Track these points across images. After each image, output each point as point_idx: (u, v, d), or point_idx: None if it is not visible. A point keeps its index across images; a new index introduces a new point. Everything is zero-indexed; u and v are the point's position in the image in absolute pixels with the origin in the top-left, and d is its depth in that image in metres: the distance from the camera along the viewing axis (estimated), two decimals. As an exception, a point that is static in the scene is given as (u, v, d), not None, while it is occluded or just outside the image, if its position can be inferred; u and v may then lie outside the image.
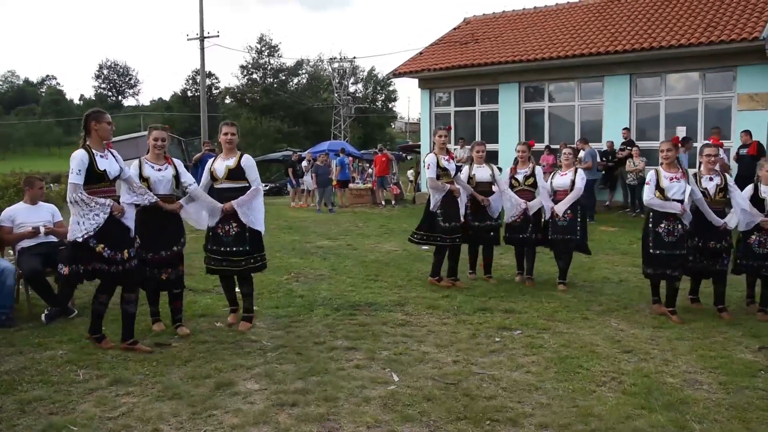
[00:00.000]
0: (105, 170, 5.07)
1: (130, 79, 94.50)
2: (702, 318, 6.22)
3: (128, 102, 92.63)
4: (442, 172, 7.47)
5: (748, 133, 13.23)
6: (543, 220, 7.79)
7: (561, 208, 7.47)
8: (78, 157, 4.94)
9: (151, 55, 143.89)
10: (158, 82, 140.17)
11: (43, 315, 6.08)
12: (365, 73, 62.12)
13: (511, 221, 7.79)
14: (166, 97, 79.89)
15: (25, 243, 6.45)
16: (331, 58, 55.96)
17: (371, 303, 6.77)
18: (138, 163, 5.64)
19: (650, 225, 6.33)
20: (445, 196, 7.43)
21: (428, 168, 7.55)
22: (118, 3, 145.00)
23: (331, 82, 54.51)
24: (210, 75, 64.57)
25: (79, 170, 4.91)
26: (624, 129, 15.61)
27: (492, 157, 8.34)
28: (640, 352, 5.22)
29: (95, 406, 4.14)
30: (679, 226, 6.21)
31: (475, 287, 7.52)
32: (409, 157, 30.02)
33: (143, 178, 5.56)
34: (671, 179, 6.25)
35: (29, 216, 6.58)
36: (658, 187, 6.27)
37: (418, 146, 23.20)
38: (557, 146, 16.00)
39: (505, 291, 7.34)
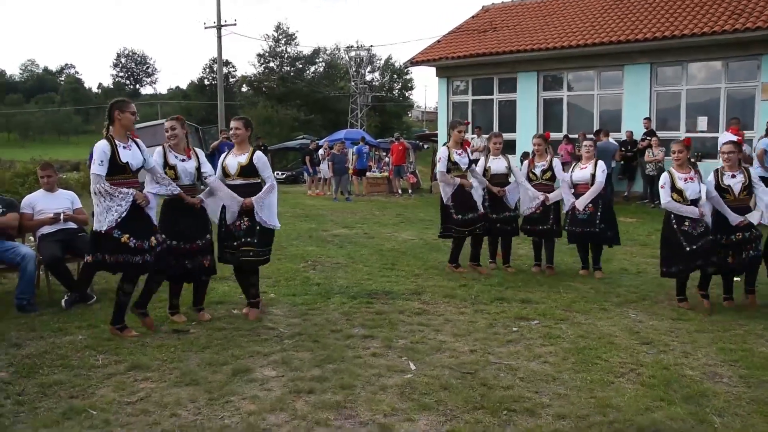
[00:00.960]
0: (127, 162, 5.09)
1: (147, 68, 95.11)
2: (722, 311, 6.15)
3: (146, 90, 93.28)
4: (452, 166, 7.52)
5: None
6: (564, 212, 7.74)
7: (582, 202, 7.42)
8: (100, 148, 4.94)
9: (169, 44, 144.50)
10: (175, 71, 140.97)
11: (62, 300, 6.14)
12: (382, 62, 61.98)
13: (530, 213, 7.75)
14: (184, 86, 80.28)
15: (46, 230, 6.50)
16: (348, 47, 55.86)
17: (388, 291, 6.76)
18: (162, 151, 5.59)
19: (674, 225, 6.25)
20: (457, 189, 7.47)
21: (439, 161, 7.61)
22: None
23: (347, 70, 54.43)
24: (227, 63, 64.69)
25: (102, 161, 4.91)
26: (645, 119, 15.43)
27: (509, 147, 8.29)
28: (659, 343, 5.17)
29: (114, 391, 4.18)
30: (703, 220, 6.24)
31: (493, 277, 7.49)
32: (425, 146, 29.91)
33: (169, 167, 5.53)
34: (686, 179, 6.24)
35: (49, 203, 6.63)
36: (675, 189, 6.23)
37: (435, 135, 23.10)
38: (576, 136, 15.91)
39: (522, 281, 7.30)
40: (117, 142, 5.07)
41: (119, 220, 4.95)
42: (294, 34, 59.56)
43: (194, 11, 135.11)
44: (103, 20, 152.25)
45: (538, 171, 7.81)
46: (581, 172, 7.58)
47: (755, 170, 6.53)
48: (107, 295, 6.53)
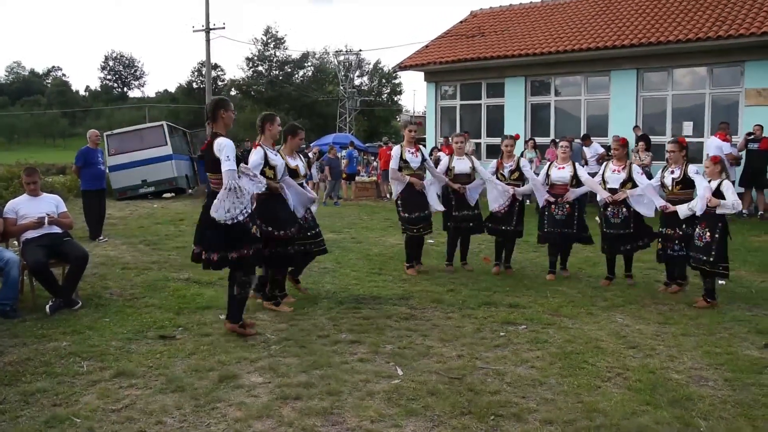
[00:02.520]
0: (276, 166, 5.86)
1: (135, 71, 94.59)
2: (707, 314, 6.18)
3: (134, 93, 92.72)
4: (404, 164, 7.65)
5: (760, 127, 13.14)
6: (538, 209, 7.86)
7: (570, 195, 7.58)
8: (230, 145, 5.08)
9: (157, 47, 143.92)
10: (164, 74, 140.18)
11: (47, 306, 6.07)
12: (371, 66, 62.06)
13: (495, 211, 7.86)
14: (172, 89, 79.89)
15: (30, 234, 6.43)
16: (336, 51, 55.94)
17: (375, 296, 6.76)
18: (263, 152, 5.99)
19: (601, 209, 7.38)
20: (406, 187, 7.59)
21: (392, 159, 7.78)
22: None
23: (336, 74, 54.44)
24: (216, 67, 64.55)
25: (230, 157, 5.02)
26: (634, 127, 15.48)
27: (496, 151, 8.37)
28: (645, 347, 5.19)
29: (99, 398, 4.14)
30: (624, 211, 7.14)
31: (480, 281, 7.49)
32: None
33: (270, 166, 5.98)
34: (613, 171, 7.30)
35: (33, 208, 6.55)
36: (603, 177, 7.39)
37: (424, 139, 23.15)
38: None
39: (509, 285, 7.32)
40: (267, 150, 5.87)
41: (247, 213, 5.17)
42: (283, 38, 59.59)
43: (183, 14, 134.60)
44: (91, 22, 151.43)
45: (506, 172, 7.93)
46: (560, 172, 7.68)
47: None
48: (92, 301, 6.50)
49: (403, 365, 4.73)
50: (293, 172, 6.34)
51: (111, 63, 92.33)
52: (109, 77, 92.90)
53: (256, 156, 5.86)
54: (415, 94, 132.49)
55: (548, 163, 8.15)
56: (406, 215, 7.69)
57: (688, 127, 15.58)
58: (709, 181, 6.51)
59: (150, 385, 4.36)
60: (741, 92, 14.60)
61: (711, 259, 6.35)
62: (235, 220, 5.07)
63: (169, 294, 6.82)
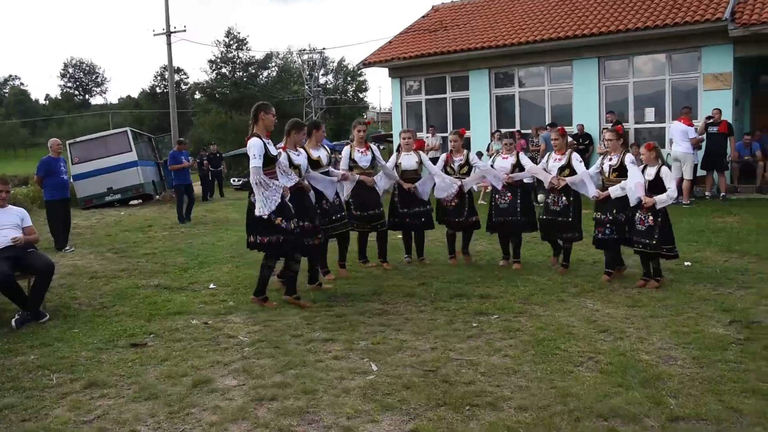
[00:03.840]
0: (275, 155, 6.12)
1: (96, 77, 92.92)
2: (675, 295, 6.31)
3: (96, 100, 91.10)
4: (353, 164, 7.73)
5: (719, 111, 13.42)
6: (491, 202, 7.98)
7: (513, 175, 7.71)
8: (257, 144, 5.92)
9: (118, 53, 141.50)
10: (126, 80, 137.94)
11: (13, 320, 5.94)
12: (335, 64, 61.88)
13: (445, 204, 7.96)
14: (135, 95, 78.79)
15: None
16: (300, 50, 55.67)
17: (348, 294, 6.75)
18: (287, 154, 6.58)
19: (546, 199, 7.57)
20: (356, 185, 7.64)
21: (341, 159, 7.88)
22: (81, 0, 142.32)
23: (301, 74, 54.19)
24: (178, 71, 63.79)
25: (258, 155, 5.89)
26: (609, 112, 15.63)
27: (464, 145, 8.44)
28: (615, 331, 5.27)
29: (69, 411, 4.07)
30: (564, 199, 7.32)
31: (452, 274, 7.53)
32: (382, 147, 29.95)
33: (294, 166, 6.56)
34: (555, 159, 7.52)
35: (-2, 220, 6.40)
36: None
37: (391, 136, 23.17)
38: (529, 131, 16.14)
39: (480, 276, 7.37)
40: (264, 139, 6.04)
41: (276, 207, 5.96)
42: (245, 39, 59.07)
43: (142, 18, 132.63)
44: (48, 29, 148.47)
45: (455, 166, 8.05)
46: (503, 162, 7.84)
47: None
48: (61, 312, 6.39)
49: (378, 360, 4.74)
50: (316, 163, 6.98)
51: (71, 70, 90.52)
52: (69, 85, 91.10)
53: (255, 146, 5.99)
54: (381, 91, 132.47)
55: (494, 155, 8.27)
56: (359, 213, 7.69)
57: (650, 113, 15.84)
58: (645, 168, 6.73)
59: (122, 394, 4.30)
60: (699, 77, 14.88)
61: (654, 242, 6.56)
62: (269, 212, 5.93)
63: (140, 301, 6.74)
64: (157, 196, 19.90)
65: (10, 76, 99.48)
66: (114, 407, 4.10)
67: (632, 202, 6.75)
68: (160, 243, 10.78)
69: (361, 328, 5.54)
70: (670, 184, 6.59)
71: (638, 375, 4.30)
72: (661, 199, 6.54)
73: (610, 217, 6.94)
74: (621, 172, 6.93)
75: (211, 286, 7.32)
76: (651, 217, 6.61)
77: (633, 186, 6.68)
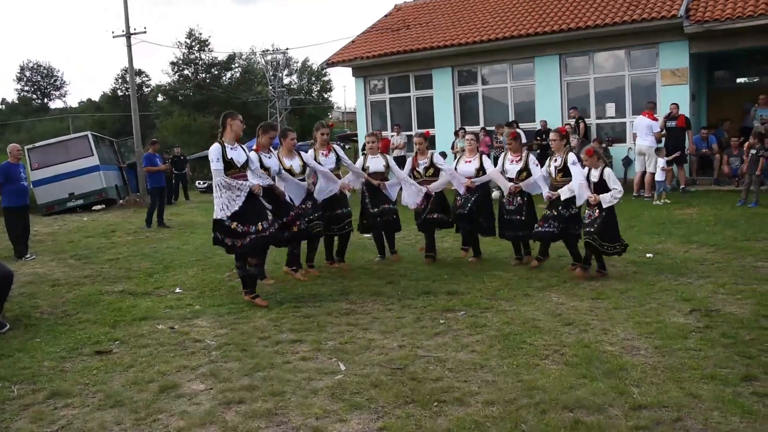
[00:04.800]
0: (232, 158, 6.25)
1: (55, 81, 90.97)
2: (638, 287, 6.43)
3: (55, 104, 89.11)
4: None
5: (676, 105, 13.72)
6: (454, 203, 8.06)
7: (474, 179, 7.82)
8: (214, 149, 6.24)
9: (77, 55, 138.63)
10: (86, 83, 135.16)
11: (-28, 331, 5.82)
12: (299, 64, 61.56)
13: (416, 207, 8.04)
14: (96, 98, 77.28)
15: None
16: (263, 51, 55.25)
17: (315, 294, 6.75)
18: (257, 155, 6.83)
19: (501, 198, 7.78)
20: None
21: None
22: (37, 1, 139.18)
23: (264, 74, 53.81)
24: (140, 73, 62.80)
25: (216, 158, 6.17)
26: (572, 108, 15.86)
27: (429, 143, 8.52)
28: (580, 323, 5.36)
29: (32, 422, 4.00)
30: (518, 199, 7.55)
31: (419, 271, 7.58)
32: (347, 146, 29.91)
33: (264, 167, 6.79)
34: (511, 161, 7.69)
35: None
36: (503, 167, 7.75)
37: (356, 135, 23.17)
38: (492, 128, 16.28)
39: (447, 273, 7.42)
40: (226, 144, 6.29)
41: (236, 210, 6.16)
42: (207, 40, 58.30)
43: (100, 20, 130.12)
44: (2, 32, 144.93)
45: (421, 169, 8.10)
46: (466, 165, 7.91)
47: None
48: (21, 321, 6.26)
49: (346, 360, 4.75)
50: (289, 172, 7.20)
51: (28, 74, 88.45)
52: (26, 88, 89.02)
53: (213, 151, 6.25)
54: (345, 90, 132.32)
55: (458, 156, 8.34)
56: (329, 214, 7.70)
57: (610, 109, 16.13)
58: (589, 170, 6.90)
59: (87, 403, 4.24)
60: (657, 73, 15.19)
61: (592, 230, 6.75)
62: (226, 217, 6.16)
63: (104, 308, 6.64)
64: (121, 201, 19.59)
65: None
66: (78, 416, 4.04)
67: (578, 202, 7.03)
68: (124, 248, 10.62)
69: (328, 328, 5.54)
70: (615, 185, 6.77)
71: (602, 366, 4.38)
72: (605, 199, 6.74)
73: (555, 213, 7.15)
74: (565, 172, 7.14)
75: (177, 290, 7.25)
76: (597, 211, 6.82)
77: (577, 187, 6.91)
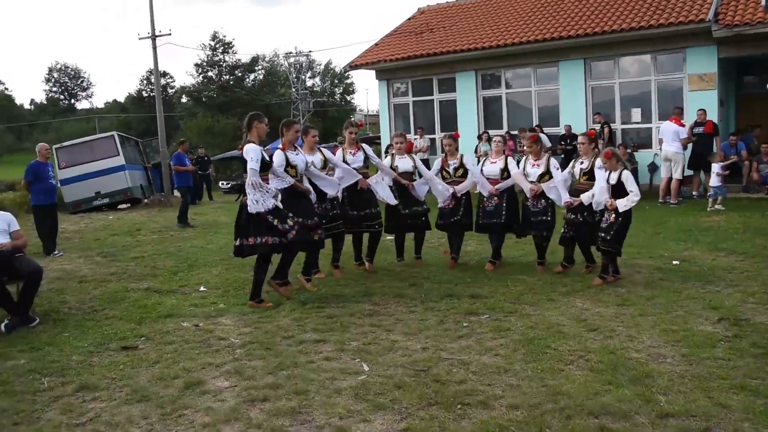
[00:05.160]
0: (269, 161, 6.40)
1: (82, 82, 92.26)
2: (664, 294, 6.36)
3: (82, 105, 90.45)
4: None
5: (704, 111, 13.55)
6: (478, 205, 8.01)
7: (498, 185, 7.76)
8: (255, 149, 6.21)
9: (103, 57, 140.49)
10: (112, 84, 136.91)
11: (2, 325, 5.91)
12: (322, 67, 61.89)
13: (443, 206, 8.00)
14: (121, 99, 78.28)
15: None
16: (286, 53, 55.61)
17: (338, 295, 6.76)
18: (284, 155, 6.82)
19: (525, 201, 7.69)
20: (351, 186, 7.68)
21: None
22: (65, 4, 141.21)
23: (287, 77, 54.13)
24: (164, 74, 63.59)
25: (255, 159, 6.15)
26: (596, 114, 15.77)
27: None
28: (605, 329, 5.31)
29: (62, 414, 4.07)
30: (543, 201, 7.47)
31: (442, 274, 7.56)
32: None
33: (291, 165, 6.77)
34: (532, 165, 7.62)
35: (-17, 225, 6.36)
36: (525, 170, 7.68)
37: (378, 138, 23.20)
38: (516, 132, 16.23)
39: (470, 277, 7.40)
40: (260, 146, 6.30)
41: (271, 209, 6.15)
42: (231, 42, 58.90)
43: (127, 22, 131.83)
44: (31, 34, 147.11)
45: (450, 169, 8.07)
46: (491, 166, 7.88)
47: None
48: (50, 316, 6.37)
49: (369, 361, 4.76)
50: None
51: (56, 75, 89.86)
52: (54, 89, 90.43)
53: (253, 151, 6.22)
54: (368, 93, 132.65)
55: (483, 158, 8.31)
56: (354, 213, 7.73)
57: (636, 114, 15.99)
58: (609, 173, 6.82)
59: (114, 397, 4.30)
60: (684, 78, 15.03)
61: (608, 237, 6.72)
62: (261, 212, 6.10)
63: (130, 305, 6.72)
64: (146, 200, 19.80)
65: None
66: (106, 410, 4.10)
67: (596, 207, 6.97)
68: (149, 246, 10.74)
69: (352, 329, 5.56)
70: (632, 188, 6.68)
71: (628, 373, 4.33)
72: (621, 204, 6.66)
73: (580, 219, 7.13)
74: (591, 175, 7.09)
75: (202, 288, 7.31)
76: (614, 215, 6.75)
77: (598, 191, 6.87)
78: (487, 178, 7.83)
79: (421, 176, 8.23)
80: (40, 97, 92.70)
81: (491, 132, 16.52)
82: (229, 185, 25.16)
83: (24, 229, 7.26)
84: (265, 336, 5.45)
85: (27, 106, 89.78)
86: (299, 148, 7.16)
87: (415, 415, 3.84)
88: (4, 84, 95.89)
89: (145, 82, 66.04)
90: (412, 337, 5.30)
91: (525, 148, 7.85)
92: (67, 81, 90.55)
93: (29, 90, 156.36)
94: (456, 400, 4.01)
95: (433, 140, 18.55)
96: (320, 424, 3.78)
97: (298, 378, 4.45)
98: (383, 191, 7.79)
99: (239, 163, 29.30)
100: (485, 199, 7.85)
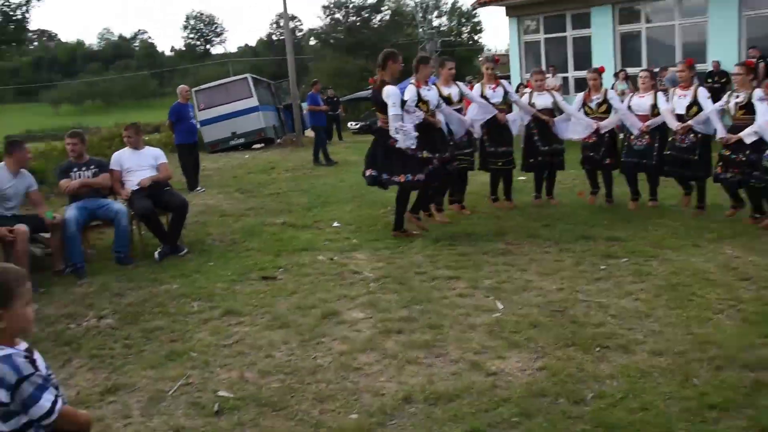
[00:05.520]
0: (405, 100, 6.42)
1: (216, 28, 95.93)
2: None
3: (216, 50, 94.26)
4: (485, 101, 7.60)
5: None
6: (624, 141, 7.61)
7: (649, 122, 7.28)
8: (396, 92, 6.29)
9: (235, 3, 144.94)
10: (243, 29, 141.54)
11: (155, 253, 6.36)
12: (449, 6, 60.53)
13: (585, 142, 7.67)
14: (252, 43, 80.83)
15: (134, 186, 6.65)
16: (413, -8, 54.74)
17: (470, 233, 6.69)
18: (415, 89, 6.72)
19: (673, 135, 7.22)
20: (491, 121, 7.52)
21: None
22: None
23: (414, 17, 53.46)
24: (293, 18, 64.74)
25: (396, 103, 6.21)
26: (751, 47, 14.44)
27: (584, 86, 8.07)
28: (759, 279, 4.91)
29: (210, 335, 4.35)
30: (692, 136, 6.91)
31: (576, 216, 7.28)
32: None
33: (422, 101, 6.69)
34: (679, 96, 7.09)
35: (134, 160, 6.77)
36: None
37: (508, 77, 22.51)
38: (657, 69, 15.15)
39: (607, 219, 7.08)
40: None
41: (413, 145, 6.24)
42: (358, -17, 58.70)
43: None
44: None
45: (593, 105, 7.69)
46: (640, 101, 7.40)
47: None
48: (197, 247, 6.78)
49: (503, 299, 4.71)
50: (447, 100, 7.11)
51: (192, 22, 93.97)
52: (191, 36, 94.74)
53: (394, 95, 6.26)
54: (497, 31, 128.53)
55: (630, 95, 7.81)
56: (492, 149, 7.64)
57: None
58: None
59: (257, 323, 4.53)
60: None
61: None
62: (409, 151, 6.22)
63: (267, 238, 7.02)
64: (278, 140, 20.48)
65: (139, 30, 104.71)
66: (250, 334, 4.33)
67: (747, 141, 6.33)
68: (283, 184, 11.14)
69: (485, 267, 5.50)
70: None
71: (789, 326, 4.00)
72: None
73: (743, 159, 6.45)
74: (749, 109, 6.42)
75: (335, 224, 7.49)
76: None
77: (763, 124, 6.22)
78: (636, 114, 7.37)
79: (560, 113, 7.92)
80: (179, 44, 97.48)
81: (629, 70, 15.55)
82: (357, 125, 25.50)
83: (170, 166, 7.69)
84: (398, 271, 5.51)
85: (168, 53, 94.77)
86: (432, 84, 7.07)
87: (552, 355, 3.77)
88: (147, 33, 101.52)
89: (274, 26, 67.67)
90: (546, 277, 5.18)
91: (678, 75, 7.30)
92: (203, 28, 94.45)
93: (169, 38, 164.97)
94: (594, 343, 3.89)
95: (565, 79, 17.75)
96: (455, 358, 3.80)
97: (431, 313, 4.48)
98: (516, 130, 7.63)
99: (368, 103, 29.64)
100: (632, 137, 7.41)
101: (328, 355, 3.93)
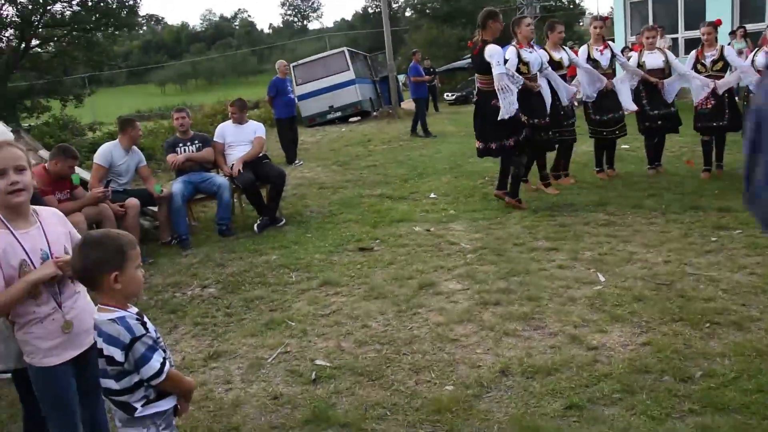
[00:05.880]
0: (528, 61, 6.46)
1: (312, 3, 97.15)
2: None
3: (313, 26, 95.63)
4: (592, 64, 7.27)
5: None
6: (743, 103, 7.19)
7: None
8: (500, 51, 6.10)
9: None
10: (339, 3, 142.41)
11: (255, 225, 6.56)
12: (549, -31, 58.34)
13: (702, 108, 7.11)
14: (348, 17, 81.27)
15: (237, 158, 6.86)
16: (511, -43, 53.09)
17: (570, 204, 6.49)
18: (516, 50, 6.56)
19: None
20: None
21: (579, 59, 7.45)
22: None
23: (512, -18, 51.92)
24: (389, -11, 64.33)
25: (500, 61, 6.00)
26: None
27: (696, 47, 7.48)
28: None
29: (308, 305, 4.44)
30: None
31: (684, 185, 6.88)
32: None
33: (522, 62, 6.53)
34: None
35: (236, 134, 6.98)
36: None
37: (612, 40, 21.51)
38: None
39: (718, 188, 6.65)
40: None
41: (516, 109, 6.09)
42: (454, -50, 57.59)
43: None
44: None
45: (707, 62, 7.10)
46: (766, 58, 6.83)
47: None
48: (295, 219, 6.93)
49: (605, 271, 4.53)
50: (557, 64, 6.95)
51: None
52: (288, 13, 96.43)
53: (497, 54, 6.04)
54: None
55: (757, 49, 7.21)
56: (597, 117, 7.34)
57: None
58: None
59: (353, 293, 4.58)
60: None
61: None
62: (511, 115, 6.02)
63: (364, 209, 7.08)
64: (374, 113, 20.54)
65: (239, 10, 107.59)
66: (347, 304, 4.39)
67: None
68: (380, 156, 11.18)
69: (586, 238, 5.32)
70: None
71: None
72: None
73: None
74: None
75: (432, 195, 7.45)
76: None
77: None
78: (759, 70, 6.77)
79: (672, 74, 7.45)
80: (277, 21, 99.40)
81: (749, 27, 14.46)
82: (453, 96, 25.20)
83: (268, 141, 7.89)
84: (496, 242, 5.42)
85: (266, 30, 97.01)
86: (541, 48, 6.92)
87: (657, 330, 3.60)
88: (247, 12, 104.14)
89: (370, -1, 67.53)
90: (652, 249, 4.94)
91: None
92: (299, 3, 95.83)
93: (268, 15, 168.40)
94: (704, 318, 3.68)
95: (674, 40, 16.74)
96: (553, 330, 3.70)
97: (530, 285, 4.38)
98: (625, 94, 7.23)
99: (464, 74, 29.20)
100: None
101: (425, 326, 3.93)
